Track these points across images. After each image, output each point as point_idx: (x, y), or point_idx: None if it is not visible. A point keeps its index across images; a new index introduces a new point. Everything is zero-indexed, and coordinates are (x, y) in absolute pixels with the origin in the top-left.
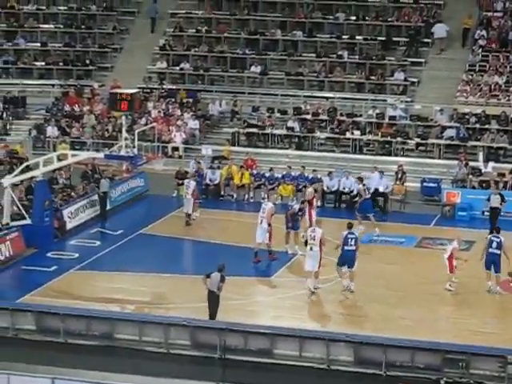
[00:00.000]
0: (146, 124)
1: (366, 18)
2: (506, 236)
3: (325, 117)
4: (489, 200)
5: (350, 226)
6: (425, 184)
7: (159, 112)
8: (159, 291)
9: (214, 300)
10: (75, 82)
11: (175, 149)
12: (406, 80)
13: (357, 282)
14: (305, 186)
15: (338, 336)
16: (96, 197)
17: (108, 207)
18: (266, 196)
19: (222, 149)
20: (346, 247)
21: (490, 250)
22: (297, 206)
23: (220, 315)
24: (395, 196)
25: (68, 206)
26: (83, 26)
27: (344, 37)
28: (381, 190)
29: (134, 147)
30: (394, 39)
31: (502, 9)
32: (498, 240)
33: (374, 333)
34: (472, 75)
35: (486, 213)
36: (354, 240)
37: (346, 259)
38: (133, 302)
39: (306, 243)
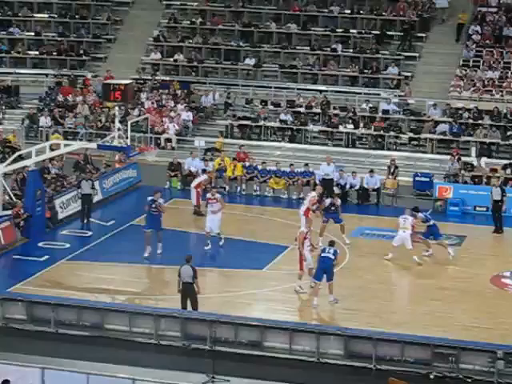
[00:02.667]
0: (139, 115)
1: (361, 11)
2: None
3: (318, 110)
4: (491, 193)
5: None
6: (417, 178)
7: (152, 103)
8: (150, 282)
9: (191, 291)
10: (69, 72)
11: (168, 140)
12: (399, 74)
13: (348, 275)
14: (297, 180)
15: (329, 329)
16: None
17: (103, 196)
18: (258, 189)
19: (215, 141)
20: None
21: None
22: (328, 201)
23: (210, 307)
24: (387, 190)
25: (60, 195)
26: (77, 16)
27: (338, 30)
28: (369, 186)
29: (126, 138)
30: (389, 33)
31: (496, 4)
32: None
33: (364, 327)
34: (466, 70)
35: (477, 208)
36: (332, 250)
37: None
38: (123, 292)
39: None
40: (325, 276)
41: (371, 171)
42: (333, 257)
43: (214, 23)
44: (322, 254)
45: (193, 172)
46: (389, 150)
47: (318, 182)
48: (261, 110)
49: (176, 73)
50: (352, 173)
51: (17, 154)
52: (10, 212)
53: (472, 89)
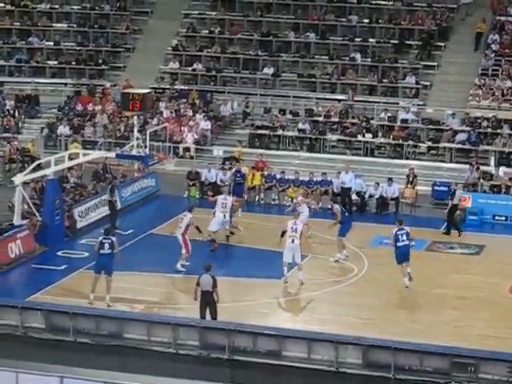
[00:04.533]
0: (158, 124)
1: (380, 20)
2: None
3: (336, 119)
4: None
5: (400, 222)
6: (436, 188)
7: (171, 112)
8: (168, 291)
9: (211, 299)
10: (88, 82)
11: (186, 149)
12: (418, 83)
13: (365, 285)
14: (316, 190)
15: (347, 338)
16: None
17: (121, 205)
18: (276, 198)
19: (234, 150)
20: (398, 243)
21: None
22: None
23: (229, 316)
24: (406, 199)
25: (79, 205)
26: (96, 26)
27: (357, 39)
28: (388, 195)
29: (145, 147)
30: (407, 42)
31: None
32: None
33: (382, 336)
34: (484, 79)
35: (496, 217)
36: (405, 235)
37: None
38: (142, 301)
39: (282, 235)
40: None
41: (390, 180)
42: (408, 242)
43: (232, 32)
44: (398, 244)
45: (211, 181)
46: (407, 159)
47: (335, 190)
48: (275, 119)
49: (195, 82)
50: (375, 183)
51: (36, 163)
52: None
53: (491, 98)
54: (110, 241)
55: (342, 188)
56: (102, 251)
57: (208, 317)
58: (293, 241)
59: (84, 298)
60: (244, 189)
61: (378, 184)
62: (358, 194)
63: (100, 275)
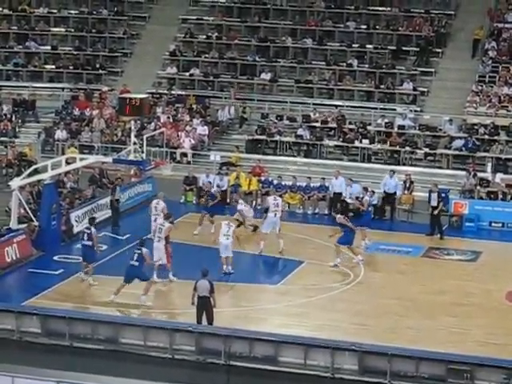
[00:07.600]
0: (155, 129)
1: (377, 26)
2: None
3: (333, 125)
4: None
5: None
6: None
7: (168, 117)
8: (165, 296)
9: (208, 305)
10: (85, 86)
11: (184, 154)
12: (415, 89)
13: (363, 290)
14: (313, 195)
15: (343, 344)
16: (103, 201)
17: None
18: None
19: (231, 155)
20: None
21: None
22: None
23: (225, 321)
24: (403, 205)
25: (75, 209)
26: (94, 30)
27: (354, 45)
28: (389, 190)
29: (142, 152)
30: (404, 49)
31: None
32: None
33: (379, 342)
34: (482, 86)
35: (493, 223)
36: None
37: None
38: (138, 306)
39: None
40: None
41: (392, 171)
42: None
43: (230, 38)
44: (270, 214)
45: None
46: (404, 165)
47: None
48: (272, 124)
49: (192, 87)
50: (370, 190)
51: (33, 167)
52: (24, 226)
53: (488, 104)
54: (139, 251)
55: (334, 193)
56: (131, 262)
57: (204, 322)
58: (275, 214)
59: (80, 302)
60: None
61: (373, 192)
62: (357, 198)
63: (127, 283)
